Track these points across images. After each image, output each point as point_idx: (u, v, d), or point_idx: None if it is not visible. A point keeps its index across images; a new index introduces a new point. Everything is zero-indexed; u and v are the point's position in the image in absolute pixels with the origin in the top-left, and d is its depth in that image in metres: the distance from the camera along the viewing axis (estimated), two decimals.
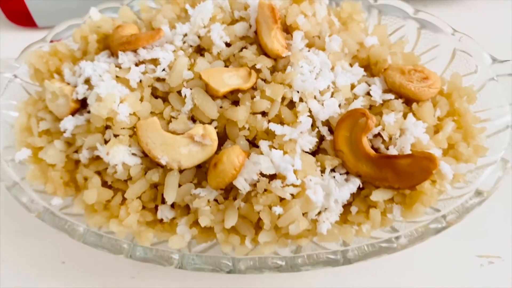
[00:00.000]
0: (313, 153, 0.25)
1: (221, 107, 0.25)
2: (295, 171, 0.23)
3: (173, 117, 0.26)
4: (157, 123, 0.25)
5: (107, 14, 0.30)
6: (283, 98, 0.25)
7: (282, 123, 0.25)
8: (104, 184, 0.26)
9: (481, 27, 0.30)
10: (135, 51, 0.27)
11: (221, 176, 0.23)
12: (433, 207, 0.25)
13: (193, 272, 0.29)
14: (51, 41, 0.31)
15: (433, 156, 0.23)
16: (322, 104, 0.25)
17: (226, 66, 0.27)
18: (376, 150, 0.25)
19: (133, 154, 0.25)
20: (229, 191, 0.25)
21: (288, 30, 0.28)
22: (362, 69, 0.27)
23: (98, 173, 0.26)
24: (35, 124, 0.28)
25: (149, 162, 0.25)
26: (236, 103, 0.26)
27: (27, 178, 0.27)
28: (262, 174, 0.24)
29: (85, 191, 0.25)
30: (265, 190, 0.24)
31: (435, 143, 0.25)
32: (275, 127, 0.24)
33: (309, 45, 0.28)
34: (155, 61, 0.27)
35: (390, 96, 0.26)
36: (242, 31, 0.27)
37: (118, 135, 0.25)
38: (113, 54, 0.28)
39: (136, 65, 0.27)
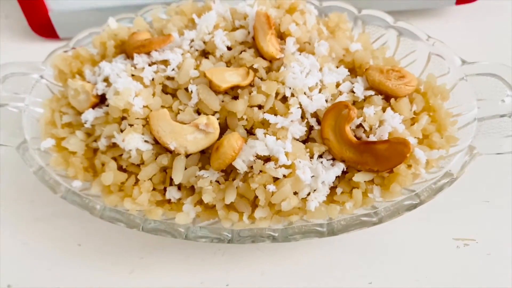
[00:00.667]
0: (303, 142, 0.29)
1: (222, 101, 0.29)
2: (286, 154, 0.27)
3: (181, 110, 0.29)
4: (167, 114, 0.28)
5: (123, 23, 0.34)
6: (277, 94, 0.29)
7: (275, 114, 0.28)
8: (120, 168, 0.29)
9: (455, 36, 0.34)
10: (148, 53, 0.31)
11: (222, 158, 0.27)
12: (408, 188, 0.28)
13: (199, 253, 0.32)
14: (73, 48, 0.35)
15: (407, 141, 0.27)
16: (311, 99, 0.29)
17: (227, 66, 0.31)
18: (358, 139, 0.29)
19: (145, 141, 0.29)
20: (228, 173, 0.28)
21: (282, 36, 0.31)
22: (347, 70, 0.31)
23: (114, 159, 0.30)
24: (58, 118, 0.31)
25: (159, 148, 0.29)
26: (236, 98, 0.29)
27: (51, 164, 0.30)
28: (258, 157, 0.27)
29: (102, 173, 0.29)
30: (260, 171, 0.27)
31: (410, 133, 0.29)
32: (269, 117, 0.28)
33: (300, 50, 0.31)
34: (165, 62, 0.31)
35: (371, 92, 0.30)
36: (241, 37, 0.31)
37: (132, 125, 0.29)
38: (129, 57, 0.32)
39: (149, 65, 0.30)
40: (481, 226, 0.32)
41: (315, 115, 0.29)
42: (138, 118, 0.29)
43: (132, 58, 0.31)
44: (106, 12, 0.36)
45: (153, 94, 0.30)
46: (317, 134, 0.29)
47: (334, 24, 0.33)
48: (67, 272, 0.32)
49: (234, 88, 0.29)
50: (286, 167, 0.27)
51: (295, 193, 0.27)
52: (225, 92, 0.30)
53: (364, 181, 0.28)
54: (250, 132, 0.29)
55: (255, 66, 0.30)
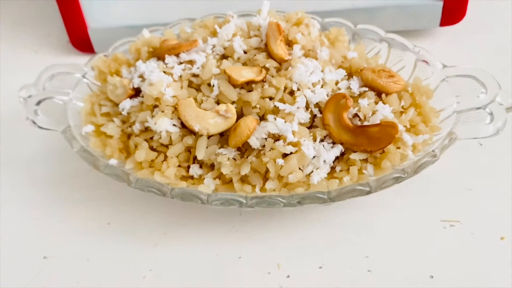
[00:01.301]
0: (308, 128, 0.34)
1: (239, 93, 0.34)
2: (293, 132, 0.32)
3: (204, 100, 0.35)
4: (193, 102, 0.34)
5: (155, 34, 0.40)
6: (285, 88, 0.34)
7: (284, 103, 0.34)
8: (150, 149, 0.34)
9: (441, 55, 0.39)
10: (177, 55, 0.36)
11: (239, 136, 0.32)
12: (398, 168, 0.33)
13: (215, 230, 0.36)
14: None
15: (395, 123, 0.32)
16: (314, 93, 0.34)
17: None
18: None
19: (174, 125, 0.34)
20: (243, 152, 0.33)
21: (289, 44, 0.37)
22: (344, 71, 0.36)
23: (146, 141, 0.35)
24: (97, 109, 0.37)
25: (185, 131, 0.34)
26: (250, 91, 0.35)
27: (91, 145, 0.35)
28: (269, 136, 0.32)
29: (136, 151, 0.34)
30: (271, 149, 0.32)
31: (399, 121, 0.34)
32: (279, 104, 0.33)
33: (305, 55, 0.37)
34: (191, 62, 0.36)
35: (365, 89, 0.35)
36: (256, 43, 0.37)
37: (163, 111, 0.34)
38: (160, 59, 0.37)
39: (178, 64, 0.36)
40: (465, 210, 0.36)
41: (317, 106, 0.34)
42: (168, 106, 0.34)
43: (164, 61, 0.37)
44: (138, 29, 0.42)
45: (181, 87, 0.35)
46: (319, 121, 0.34)
47: (334, 36, 0.39)
48: (97, 246, 0.36)
49: (249, 83, 0.35)
50: (293, 144, 0.32)
51: (301, 169, 0.32)
52: (241, 87, 0.35)
53: (359, 160, 0.33)
54: (262, 119, 0.34)
55: (267, 65, 0.35)
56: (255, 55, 0.36)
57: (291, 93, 0.34)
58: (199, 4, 0.44)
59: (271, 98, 0.34)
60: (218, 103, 0.35)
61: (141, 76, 0.36)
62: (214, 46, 0.37)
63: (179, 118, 0.34)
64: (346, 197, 0.31)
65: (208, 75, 0.35)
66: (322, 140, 0.34)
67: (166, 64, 0.36)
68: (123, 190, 0.39)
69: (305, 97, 0.34)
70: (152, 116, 0.34)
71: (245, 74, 0.34)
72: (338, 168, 0.33)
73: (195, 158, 0.34)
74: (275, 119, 0.33)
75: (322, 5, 0.43)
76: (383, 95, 0.35)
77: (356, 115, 0.34)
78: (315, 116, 0.34)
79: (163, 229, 0.37)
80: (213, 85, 0.35)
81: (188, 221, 0.37)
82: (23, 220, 0.38)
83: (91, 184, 0.40)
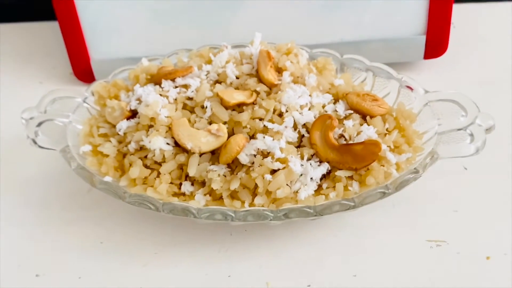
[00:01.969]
0: (296, 147, 0.35)
1: (231, 114, 0.36)
2: (281, 149, 0.33)
3: (197, 121, 0.36)
4: (186, 122, 0.35)
5: (153, 63, 0.43)
6: (274, 110, 0.36)
7: (273, 123, 0.35)
8: (145, 167, 0.36)
9: (426, 86, 0.41)
10: (173, 80, 0.39)
11: (229, 152, 0.33)
12: (382, 185, 0.34)
13: (205, 250, 0.37)
14: None
15: (378, 142, 0.33)
16: (302, 114, 0.36)
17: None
18: None
19: (167, 143, 0.35)
20: (233, 170, 0.35)
21: (279, 71, 0.39)
22: (331, 96, 0.38)
23: (141, 159, 0.36)
24: (95, 130, 0.39)
25: (178, 150, 0.35)
26: (241, 112, 0.36)
27: (87, 164, 0.37)
28: (258, 153, 0.34)
29: (130, 168, 0.35)
30: (260, 165, 0.33)
31: (383, 141, 0.35)
32: (268, 124, 0.35)
33: (294, 82, 0.39)
34: (186, 86, 0.38)
35: (350, 111, 0.37)
36: (247, 70, 0.39)
37: (158, 130, 0.35)
38: (157, 85, 0.39)
39: (174, 88, 0.38)
40: (451, 230, 0.37)
41: (305, 126, 0.36)
42: (162, 125, 0.36)
43: (160, 85, 0.39)
44: (138, 61, 0.44)
45: (176, 109, 0.37)
46: (307, 141, 0.35)
47: (322, 65, 0.41)
48: (89, 264, 0.37)
49: (241, 105, 0.37)
50: (281, 161, 0.33)
51: (288, 185, 0.33)
52: (233, 109, 0.37)
53: (345, 177, 0.34)
54: (252, 138, 0.35)
55: (257, 89, 0.37)
56: (247, 80, 0.38)
57: (280, 115, 0.36)
58: (197, 37, 0.47)
59: (261, 119, 0.36)
60: (210, 123, 0.36)
61: (138, 99, 0.38)
62: (208, 72, 0.40)
63: (172, 137, 0.35)
64: (331, 211, 0.32)
65: (201, 98, 0.37)
66: (309, 159, 0.35)
67: (162, 88, 0.38)
68: (116, 210, 0.40)
69: (293, 118, 0.36)
70: (147, 136, 0.36)
71: (236, 96, 0.36)
72: (324, 185, 0.34)
73: (187, 175, 0.35)
74: (264, 137, 0.34)
75: (311, 39, 0.46)
76: (368, 118, 0.36)
77: (342, 135, 0.36)
78: (303, 136, 0.36)
79: (154, 248, 0.37)
80: (206, 107, 0.36)
81: (179, 241, 0.38)
82: (17, 238, 0.38)
83: (85, 205, 0.41)
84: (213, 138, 0.35)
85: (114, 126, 0.38)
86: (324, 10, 0.47)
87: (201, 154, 0.35)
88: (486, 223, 0.37)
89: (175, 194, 0.35)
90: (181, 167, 0.35)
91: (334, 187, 0.34)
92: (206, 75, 0.39)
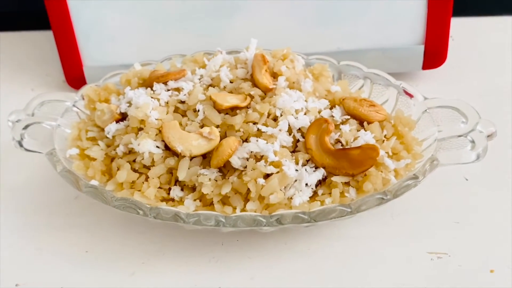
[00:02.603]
0: (291, 153, 0.34)
1: (224, 118, 0.35)
2: (275, 152, 0.32)
3: (189, 124, 0.35)
4: (177, 124, 0.34)
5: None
6: (269, 114, 0.35)
7: (267, 127, 0.34)
8: (133, 171, 0.34)
9: (424, 93, 0.40)
10: (165, 83, 0.38)
11: (220, 155, 0.32)
12: (380, 192, 0.32)
13: (195, 260, 0.35)
14: None
15: (375, 146, 0.32)
16: (297, 118, 0.35)
17: None
18: None
19: (157, 147, 0.34)
20: (225, 174, 0.33)
21: (274, 76, 0.38)
22: (327, 101, 0.37)
23: (129, 163, 0.35)
24: (84, 134, 0.37)
25: (168, 153, 0.34)
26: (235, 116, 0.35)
27: (74, 167, 0.35)
28: (251, 157, 0.32)
29: (118, 172, 0.33)
30: (253, 169, 0.32)
31: (381, 147, 0.34)
32: (261, 127, 0.34)
33: (289, 87, 0.38)
34: (178, 90, 0.37)
35: (347, 117, 0.36)
36: (242, 74, 0.38)
37: (148, 133, 0.34)
38: (148, 88, 0.38)
39: (166, 91, 0.37)
40: (453, 242, 0.35)
41: (300, 131, 0.35)
42: (152, 128, 0.34)
43: (152, 89, 0.38)
44: (130, 68, 0.43)
45: (167, 113, 0.36)
46: (302, 146, 0.34)
47: (318, 72, 0.41)
48: (74, 273, 0.35)
49: (234, 109, 0.35)
50: (275, 165, 0.32)
51: (282, 191, 0.32)
52: (226, 113, 0.36)
53: (342, 183, 0.32)
54: (246, 141, 0.34)
55: (252, 93, 0.36)
56: (241, 84, 0.37)
57: (275, 119, 0.35)
58: (192, 45, 0.46)
59: (254, 123, 0.35)
60: (202, 127, 0.35)
61: (129, 102, 0.37)
62: (201, 76, 0.39)
63: (162, 141, 0.34)
64: (327, 217, 0.30)
65: (194, 101, 0.36)
66: (304, 164, 0.34)
67: (154, 90, 0.37)
68: (103, 218, 0.38)
69: (288, 122, 0.34)
70: (137, 138, 0.34)
71: (230, 100, 0.35)
72: (320, 192, 0.33)
73: (176, 180, 0.34)
74: (257, 140, 0.33)
75: (307, 48, 0.45)
76: (365, 124, 0.35)
77: (338, 140, 0.34)
78: (298, 141, 0.35)
79: (142, 258, 0.36)
80: (198, 110, 0.35)
81: (168, 250, 0.36)
82: (1, 246, 0.37)
83: (71, 213, 0.39)
84: (205, 141, 0.33)
85: (103, 129, 0.37)
86: (320, 18, 0.47)
87: (191, 158, 0.34)
88: (488, 235, 0.36)
89: (163, 200, 0.34)
90: (171, 171, 0.34)
91: (330, 193, 0.33)
92: (199, 79, 0.38)
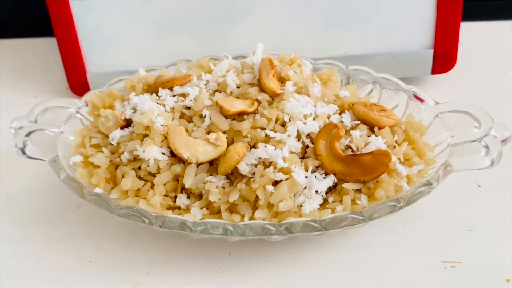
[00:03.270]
0: (300, 159, 0.33)
1: (231, 124, 0.34)
2: (284, 158, 0.31)
3: (195, 130, 0.34)
4: (183, 130, 0.33)
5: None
6: (277, 119, 0.34)
7: (275, 133, 0.33)
8: (138, 178, 0.33)
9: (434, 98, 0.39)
10: (171, 88, 0.37)
11: (228, 161, 0.31)
12: (393, 199, 0.31)
13: (201, 271, 0.34)
14: None
15: (387, 151, 0.31)
16: (306, 124, 0.34)
17: None
18: None
19: (162, 153, 0.33)
20: (233, 181, 0.32)
21: (282, 81, 0.38)
22: (336, 106, 0.36)
23: (134, 170, 0.34)
24: (87, 141, 0.36)
25: (174, 160, 0.33)
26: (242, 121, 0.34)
27: (77, 175, 0.34)
28: (259, 163, 0.31)
29: (122, 179, 0.33)
30: (261, 175, 0.31)
31: (392, 153, 0.33)
32: (270, 133, 0.33)
33: (297, 92, 0.37)
34: (184, 95, 0.36)
35: (357, 122, 0.35)
36: (249, 79, 0.38)
37: (153, 139, 0.33)
38: (154, 93, 0.38)
39: (171, 97, 0.36)
40: (467, 251, 0.34)
41: (309, 137, 0.34)
42: (158, 134, 0.33)
43: (157, 95, 0.37)
44: (135, 74, 0.43)
45: (173, 118, 0.35)
46: (311, 151, 0.33)
47: (326, 76, 0.40)
48: (77, 284, 0.34)
49: (241, 114, 0.35)
50: (284, 171, 0.31)
51: (292, 198, 0.31)
52: (233, 119, 0.35)
53: (353, 190, 0.31)
54: (253, 148, 0.33)
55: (259, 98, 0.35)
56: (247, 89, 0.36)
57: (283, 124, 0.34)
58: (197, 50, 0.45)
59: (262, 129, 0.34)
60: (209, 133, 0.34)
61: (133, 108, 0.36)
62: (207, 81, 0.38)
63: (168, 147, 0.33)
64: (338, 226, 0.29)
65: (200, 107, 0.35)
66: (314, 171, 0.33)
67: (159, 96, 0.36)
68: (107, 227, 0.37)
69: (297, 127, 0.33)
70: (142, 145, 0.34)
71: (237, 105, 0.35)
72: (330, 199, 0.32)
73: (183, 188, 0.33)
74: (265, 146, 0.32)
75: (315, 53, 0.44)
76: (376, 129, 0.34)
77: (348, 146, 0.34)
78: (307, 147, 0.34)
79: (147, 268, 0.35)
80: (205, 116, 0.35)
81: (174, 260, 0.35)
82: (1, 257, 0.36)
83: (74, 222, 0.38)
84: (212, 148, 0.33)
85: (107, 136, 0.36)
86: (327, 23, 0.46)
87: (198, 165, 0.33)
88: (503, 243, 0.35)
89: (169, 208, 0.33)
90: (177, 178, 0.33)
91: (341, 200, 0.32)
92: (205, 84, 0.38)
